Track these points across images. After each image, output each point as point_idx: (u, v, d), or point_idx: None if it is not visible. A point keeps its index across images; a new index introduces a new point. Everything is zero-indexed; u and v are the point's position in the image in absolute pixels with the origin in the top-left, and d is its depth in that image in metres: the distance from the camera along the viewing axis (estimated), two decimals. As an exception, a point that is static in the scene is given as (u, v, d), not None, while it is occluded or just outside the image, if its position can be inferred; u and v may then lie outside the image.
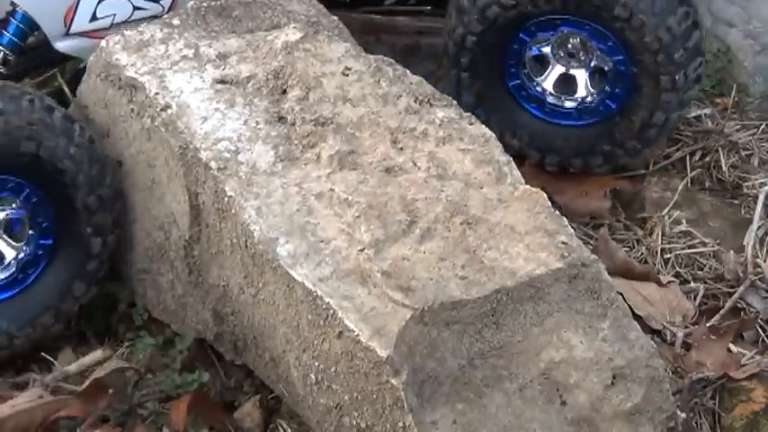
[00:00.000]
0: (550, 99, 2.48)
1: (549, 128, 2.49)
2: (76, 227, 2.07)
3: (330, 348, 1.72)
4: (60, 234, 2.09)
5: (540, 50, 2.45)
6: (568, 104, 2.48)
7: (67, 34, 2.28)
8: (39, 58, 2.43)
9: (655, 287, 2.29)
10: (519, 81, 2.47)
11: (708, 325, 2.20)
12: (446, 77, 2.47)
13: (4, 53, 2.27)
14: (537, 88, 2.48)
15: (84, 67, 2.23)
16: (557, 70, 2.46)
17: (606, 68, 2.43)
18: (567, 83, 2.47)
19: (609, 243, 2.35)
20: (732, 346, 2.17)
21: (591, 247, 2.27)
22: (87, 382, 1.99)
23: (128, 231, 2.17)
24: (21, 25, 2.27)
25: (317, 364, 1.76)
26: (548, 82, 2.47)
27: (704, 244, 2.43)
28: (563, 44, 2.44)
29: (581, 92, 2.47)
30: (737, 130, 2.72)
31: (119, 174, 2.13)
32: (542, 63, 2.47)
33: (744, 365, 2.11)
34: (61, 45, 2.29)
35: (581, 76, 2.46)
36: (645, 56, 2.34)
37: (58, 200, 2.06)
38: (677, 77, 2.37)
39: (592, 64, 2.44)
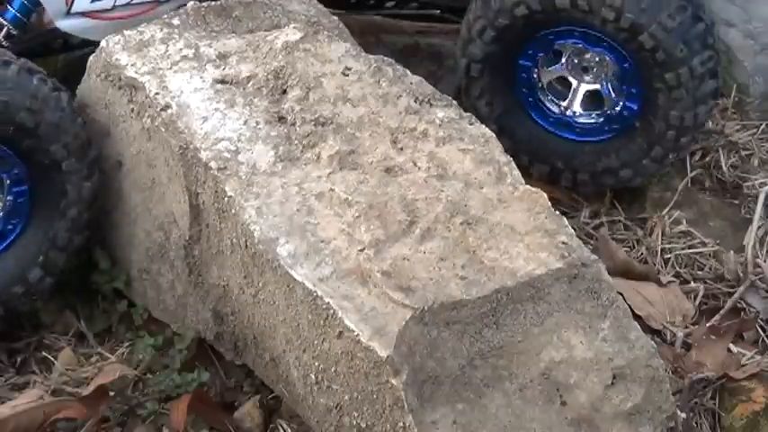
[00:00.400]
0: (540, 94, 2.45)
1: (523, 117, 2.46)
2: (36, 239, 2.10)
3: (330, 348, 1.72)
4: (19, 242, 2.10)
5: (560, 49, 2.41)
6: (553, 108, 2.45)
7: (69, 13, 2.28)
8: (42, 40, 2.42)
9: (655, 287, 2.29)
10: (530, 63, 2.42)
11: (708, 325, 2.20)
12: (466, 29, 2.39)
13: (8, 28, 2.27)
14: (535, 76, 2.43)
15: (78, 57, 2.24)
16: (559, 72, 2.43)
17: (607, 102, 2.39)
18: (563, 88, 2.44)
19: (609, 243, 2.35)
20: (732, 346, 2.16)
21: (591, 247, 2.27)
22: (91, 388, 1.98)
23: (128, 231, 2.17)
24: (25, 2, 2.27)
25: (317, 364, 1.76)
26: (546, 77, 2.44)
27: (704, 244, 2.43)
28: (581, 54, 2.39)
29: (572, 105, 2.44)
30: (737, 130, 2.72)
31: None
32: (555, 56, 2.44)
33: (744, 365, 2.11)
34: (62, 24, 2.29)
35: (580, 91, 2.43)
36: (658, 123, 2.32)
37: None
38: (670, 155, 2.37)
39: (598, 86, 2.41)
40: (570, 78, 2.43)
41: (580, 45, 2.36)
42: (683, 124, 2.30)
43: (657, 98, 2.29)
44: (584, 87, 2.42)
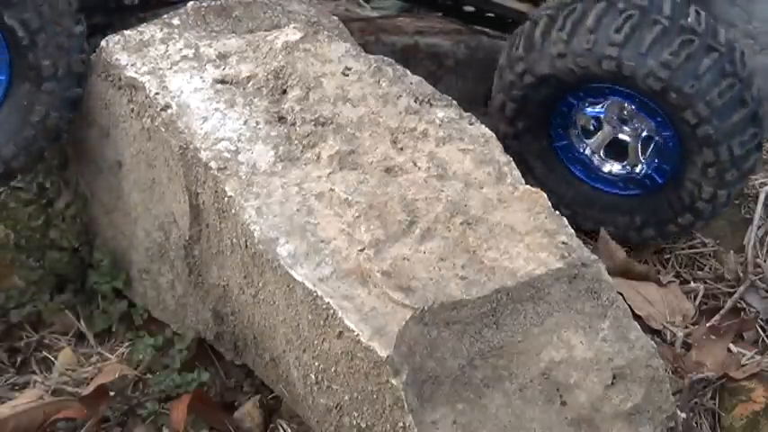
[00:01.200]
0: (578, 144, 2.35)
1: (557, 165, 2.37)
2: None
3: (330, 348, 1.72)
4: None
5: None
6: (579, 147, 2.35)
7: None
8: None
9: (655, 287, 2.29)
10: (566, 113, 2.31)
11: (708, 325, 2.20)
12: (507, 64, 2.27)
13: None
14: (572, 129, 2.33)
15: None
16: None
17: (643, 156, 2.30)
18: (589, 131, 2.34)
19: (609, 243, 2.35)
20: (732, 346, 2.16)
21: (591, 247, 2.26)
22: (91, 388, 1.99)
23: (128, 231, 2.17)
24: None
25: (317, 364, 1.76)
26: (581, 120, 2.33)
27: (704, 244, 2.43)
28: (619, 111, 2.28)
29: (607, 155, 2.34)
30: (738, 130, 2.72)
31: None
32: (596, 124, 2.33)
33: (744, 365, 2.11)
34: None
35: (606, 132, 2.31)
36: (690, 191, 2.22)
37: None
38: (698, 224, 2.28)
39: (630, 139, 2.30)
40: (607, 126, 2.31)
41: (618, 100, 2.26)
42: (715, 199, 2.22)
43: (692, 168, 2.19)
44: (621, 138, 2.31)
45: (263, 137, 1.96)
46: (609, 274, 1.80)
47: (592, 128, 2.33)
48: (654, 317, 2.22)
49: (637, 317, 1.94)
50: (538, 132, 2.34)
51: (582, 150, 2.35)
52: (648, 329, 2.17)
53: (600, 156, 2.35)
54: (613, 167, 2.35)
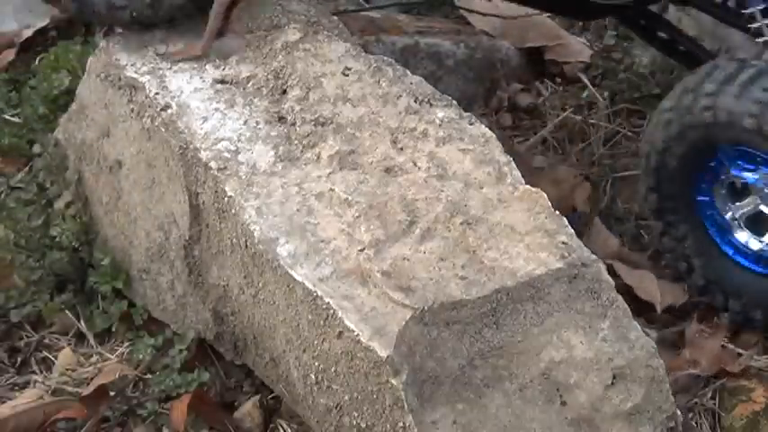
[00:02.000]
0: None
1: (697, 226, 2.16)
2: None
3: (330, 348, 1.72)
4: None
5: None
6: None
7: None
8: None
9: (647, 273, 2.28)
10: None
11: (701, 327, 2.19)
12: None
13: None
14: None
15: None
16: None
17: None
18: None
19: (602, 230, 2.34)
20: (731, 346, 2.16)
21: (584, 238, 2.22)
22: (91, 388, 1.99)
23: (128, 231, 2.18)
24: None
25: (317, 364, 1.76)
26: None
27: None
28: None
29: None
30: (737, 129, 2.72)
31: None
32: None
33: (740, 356, 2.11)
34: None
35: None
36: None
37: None
38: None
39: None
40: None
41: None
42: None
43: None
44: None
45: (263, 137, 1.96)
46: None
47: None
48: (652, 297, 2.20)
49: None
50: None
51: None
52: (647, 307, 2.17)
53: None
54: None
